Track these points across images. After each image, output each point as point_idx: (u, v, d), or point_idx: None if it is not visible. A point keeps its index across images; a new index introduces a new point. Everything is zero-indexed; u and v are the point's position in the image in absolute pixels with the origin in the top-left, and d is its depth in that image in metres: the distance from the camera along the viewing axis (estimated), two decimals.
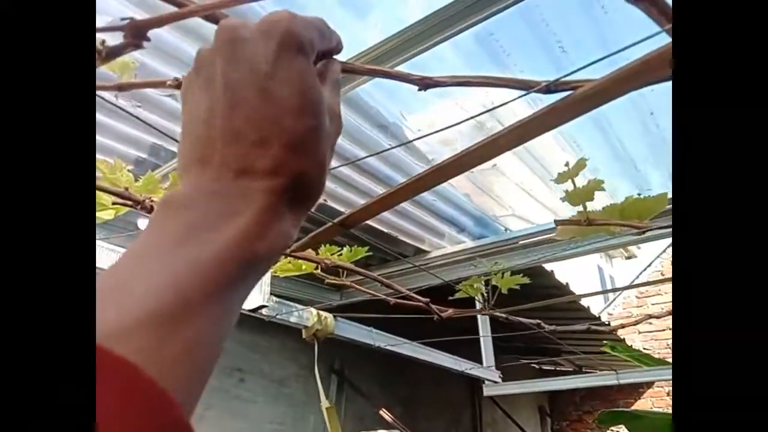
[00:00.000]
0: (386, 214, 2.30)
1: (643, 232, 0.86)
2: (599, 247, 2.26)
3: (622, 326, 1.55)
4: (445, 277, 2.53)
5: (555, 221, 0.87)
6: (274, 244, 0.25)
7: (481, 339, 2.40)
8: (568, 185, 0.86)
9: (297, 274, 1.25)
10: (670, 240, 7.04)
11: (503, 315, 1.36)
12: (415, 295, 1.12)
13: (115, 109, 1.62)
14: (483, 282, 1.27)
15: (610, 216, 0.85)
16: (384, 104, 1.68)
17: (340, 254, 1.26)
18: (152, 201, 0.70)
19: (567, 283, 3.76)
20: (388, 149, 1.89)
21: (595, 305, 6.58)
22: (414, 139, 1.71)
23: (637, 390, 6.22)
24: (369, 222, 2.34)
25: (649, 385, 6.22)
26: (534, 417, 6.41)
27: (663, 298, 6.63)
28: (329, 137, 0.29)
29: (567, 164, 0.85)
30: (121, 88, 0.65)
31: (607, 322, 4.64)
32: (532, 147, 1.71)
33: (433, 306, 1.25)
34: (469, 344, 2.75)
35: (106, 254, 1.03)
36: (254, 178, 0.26)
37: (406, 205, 2.22)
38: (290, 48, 0.28)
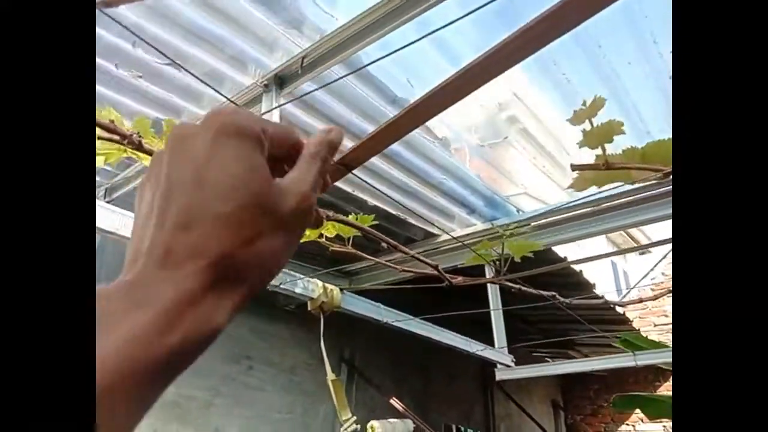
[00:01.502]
0: (395, 195, 2.25)
1: (666, 176, 0.80)
2: (614, 227, 2.19)
3: (640, 300, 1.48)
4: (456, 262, 2.48)
5: (571, 165, 0.81)
6: (188, 334, 0.24)
7: (492, 319, 2.33)
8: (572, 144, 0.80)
9: (302, 241, 1.21)
10: None
11: (515, 286, 1.30)
12: (425, 260, 1.07)
13: (116, 81, 1.59)
14: (494, 250, 1.21)
15: (631, 159, 0.79)
16: (395, 78, 1.63)
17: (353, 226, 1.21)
18: (140, 137, 0.66)
19: (581, 271, 3.68)
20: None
21: (609, 298, 6.45)
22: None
23: (653, 384, 6.10)
24: (377, 203, 2.29)
25: (666, 377, 6.11)
26: (547, 411, 6.32)
27: None
28: (274, 216, 0.28)
29: (584, 102, 0.79)
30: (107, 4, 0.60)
31: (622, 312, 4.55)
32: (544, 118, 1.65)
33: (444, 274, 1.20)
34: (482, 332, 2.69)
35: (107, 214, 0.99)
36: (175, 264, 0.25)
37: (415, 185, 2.17)
38: (226, 133, 0.28)
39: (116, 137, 0.64)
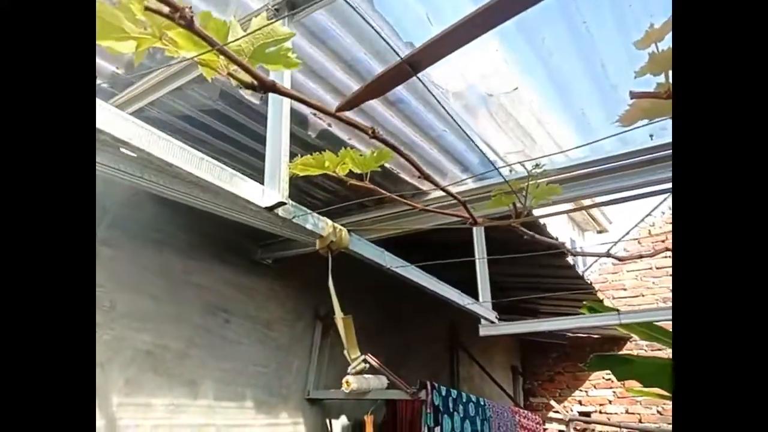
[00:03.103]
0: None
1: None
2: (606, 190, 2.21)
3: (641, 256, 1.51)
4: (446, 220, 2.46)
5: (630, 92, 0.78)
6: None
7: (478, 270, 2.35)
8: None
9: (317, 173, 1.15)
10: (647, 210, 7.15)
11: (529, 233, 1.29)
12: (455, 195, 1.04)
13: None
14: (515, 192, 1.19)
15: None
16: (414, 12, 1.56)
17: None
18: (192, 12, 0.59)
19: (557, 237, 3.76)
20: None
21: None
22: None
23: (612, 349, 6.40)
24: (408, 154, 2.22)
25: (621, 346, 6.41)
26: (507, 376, 6.55)
27: (638, 265, 6.77)
28: None
29: (651, 25, 0.76)
30: None
31: (589, 282, 4.70)
32: (556, 67, 1.62)
33: (462, 215, 1.17)
34: (462, 288, 2.71)
35: (111, 117, 0.89)
36: None
37: (412, 135, 2.12)
38: None
39: (165, 9, 0.56)
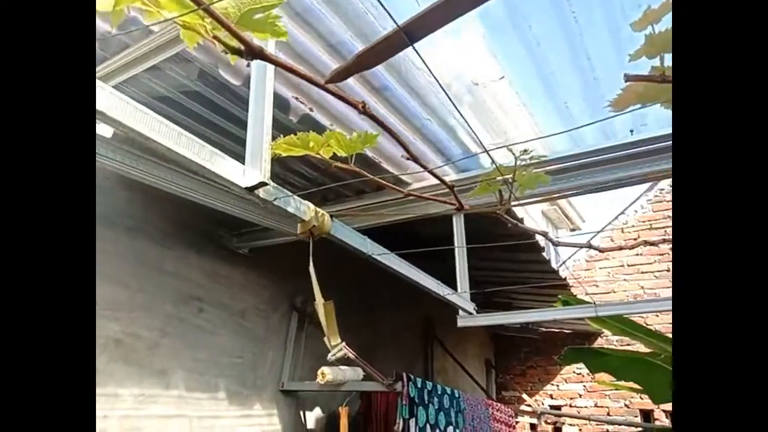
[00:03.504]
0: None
1: None
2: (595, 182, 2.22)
3: (620, 248, 1.53)
4: (427, 211, 2.45)
5: (625, 75, 0.77)
6: None
7: (457, 260, 2.34)
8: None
9: (301, 154, 1.12)
10: (620, 210, 7.28)
11: (513, 220, 1.28)
12: (441, 178, 1.02)
13: None
14: (501, 179, 1.18)
15: None
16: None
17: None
18: None
19: (535, 232, 3.79)
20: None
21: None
22: None
23: (584, 344, 6.51)
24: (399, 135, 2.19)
25: (592, 341, 6.54)
26: (481, 369, 6.62)
27: (610, 263, 6.90)
28: None
29: (649, 6, 0.75)
30: None
31: (564, 278, 4.77)
32: (543, 57, 1.61)
33: (450, 201, 1.15)
34: (444, 282, 2.70)
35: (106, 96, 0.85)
36: None
37: (396, 123, 2.09)
38: None
39: None
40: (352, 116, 2.02)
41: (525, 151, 1.07)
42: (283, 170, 2.67)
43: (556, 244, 1.32)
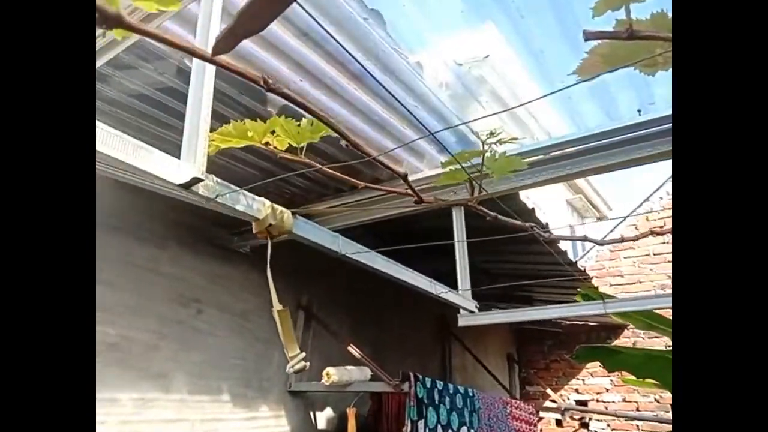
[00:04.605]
0: (362, 126, 2.04)
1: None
2: (589, 169, 2.06)
3: (623, 239, 1.37)
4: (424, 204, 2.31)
5: (584, 31, 0.63)
6: None
7: (457, 256, 2.20)
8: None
9: (240, 146, 1.01)
10: (646, 197, 6.99)
11: (491, 213, 1.15)
12: (393, 167, 0.89)
13: None
14: (471, 164, 1.04)
15: (660, 27, 0.62)
16: None
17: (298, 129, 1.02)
18: None
19: (547, 223, 3.61)
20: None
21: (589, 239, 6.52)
22: None
23: (605, 341, 6.27)
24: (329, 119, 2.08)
25: (618, 334, 6.29)
26: (502, 364, 6.45)
27: (635, 251, 6.63)
28: None
29: None
30: None
31: (583, 268, 4.56)
32: (529, 31, 1.46)
33: (408, 191, 1.03)
34: (446, 278, 2.57)
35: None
36: None
37: (385, 114, 1.97)
38: None
39: None
40: (333, 107, 1.90)
41: (492, 133, 0.94)
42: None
43: (545, 240, 1.18)
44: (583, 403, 6.31)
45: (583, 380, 6.49)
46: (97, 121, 0.88)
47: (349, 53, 1.44)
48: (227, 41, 0.57)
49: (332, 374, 3.04)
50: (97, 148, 0.85)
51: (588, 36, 0.63)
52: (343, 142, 0.79)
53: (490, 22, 1.41)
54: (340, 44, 1.42)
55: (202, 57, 0.58)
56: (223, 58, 0.61)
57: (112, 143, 0.88)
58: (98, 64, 1.47)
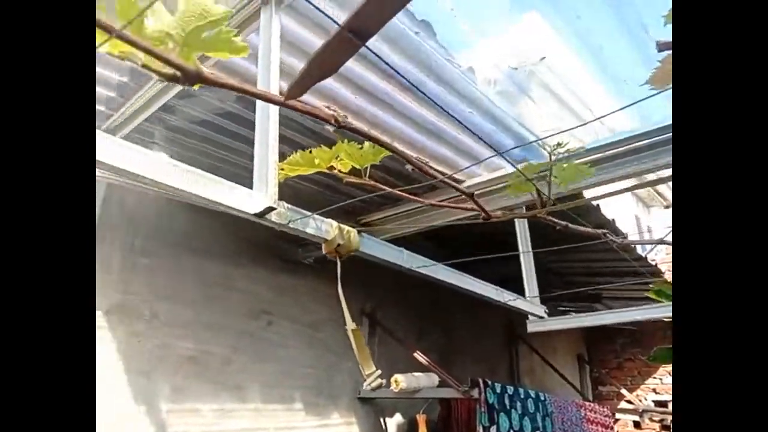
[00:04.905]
0: (416, 136, 2.05)
1: None
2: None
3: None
4: (486, 208, 2.29)
5: (657, 43, 0.61)
6: None
7: (523, 265, 2.16)
8: None
9: (309, 172, 1.04)
10: None
11: (561, 222, 1.12)
12: (457, 186, 0.89)
13: None
14: (539, 175, 1.03)
15: None
16: None
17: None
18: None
19: (613, 220, 3.47)
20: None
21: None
22: None
23: None
24: (397, 145, 2.09)
25: None
26: (572, 365, 6.24)
27: None
28: None
29: None
30: None
31: (653, 262, 4.34)
32: (587, 31, 1.41)
33: (476, 208, 1.02)
34: (512, 290, 2.53)
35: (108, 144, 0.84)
36: None
37: (436, 120, 1.97)
38: None
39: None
40: (390, 121, 1.92)
41: (559, 144, 0.92)
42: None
43: (618, 247, 1.14)
44: (663, 403, 6.00)
45: (660, 379, 6.17)
46: (172, 160, 0.94)
47: (400, 74, 1.45)
48: (300, 87, 0.59)
49: (401, 381, 3.06)
50: (174, 184, 0.91)
51: (661, 47, 0.61)
52: (408, 166, 0.81)
53: (536, 12, 1.37)
54: (395, 70, 1.43)
55: (278, 103, 0.61)
56: (295, 102, 0.64)
57: (183, 178, 0.94)
58: (168, 97, 1.56)
